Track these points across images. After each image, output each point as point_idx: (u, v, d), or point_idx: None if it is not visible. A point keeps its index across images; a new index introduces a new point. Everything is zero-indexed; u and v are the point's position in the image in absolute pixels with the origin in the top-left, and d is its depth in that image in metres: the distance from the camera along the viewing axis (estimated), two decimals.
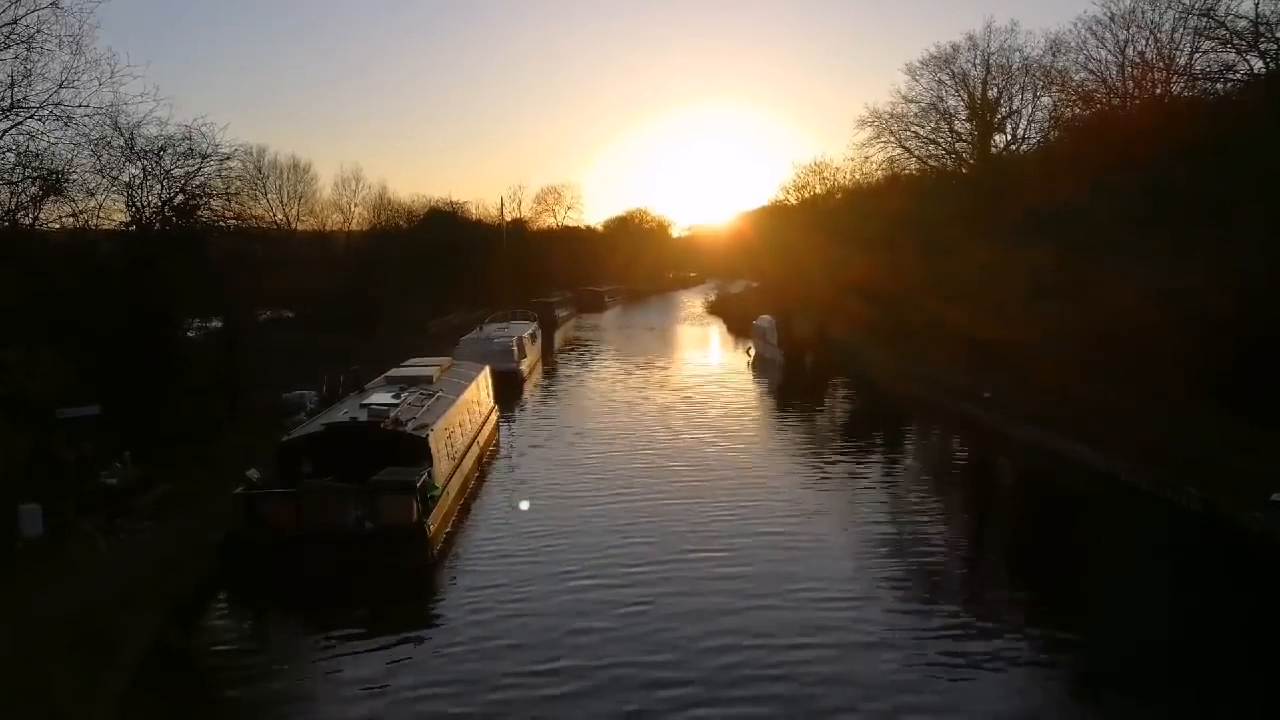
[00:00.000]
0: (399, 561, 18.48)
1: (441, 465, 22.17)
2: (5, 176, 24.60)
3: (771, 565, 19.04)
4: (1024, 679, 14.18)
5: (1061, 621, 16.31)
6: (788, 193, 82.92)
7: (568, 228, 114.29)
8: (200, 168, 29.27)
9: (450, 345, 45.78)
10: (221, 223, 31.04)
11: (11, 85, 23.16)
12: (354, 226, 75.80)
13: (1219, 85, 34.25)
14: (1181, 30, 37.07)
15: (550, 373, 53.02)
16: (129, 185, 28.38)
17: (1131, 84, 40.64)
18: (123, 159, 27.84)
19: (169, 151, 28.62)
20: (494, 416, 33.66)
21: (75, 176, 26.28)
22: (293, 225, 66.16)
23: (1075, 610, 16.86)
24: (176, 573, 17.93)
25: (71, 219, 26.86)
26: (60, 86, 23.67)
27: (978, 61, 50.72)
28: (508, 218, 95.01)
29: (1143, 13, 38.66)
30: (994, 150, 52.21)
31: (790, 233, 70.26)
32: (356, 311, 52.33)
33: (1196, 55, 36.52)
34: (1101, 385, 31.24)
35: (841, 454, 30.26)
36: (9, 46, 22.89)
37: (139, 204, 28.70)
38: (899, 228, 47.99)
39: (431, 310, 63.98)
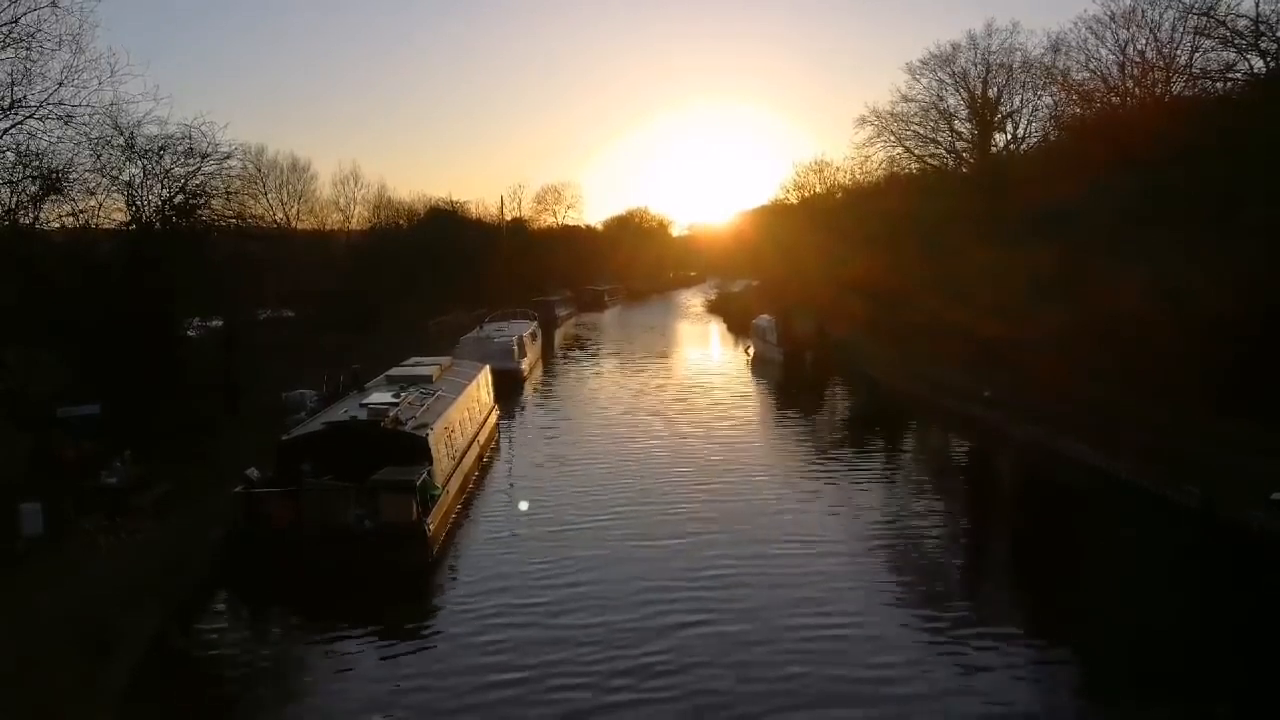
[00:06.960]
0: (399, 561, 18.46)
1: (441, 464, 22.15)
2: (5, 175, 24.64)
3: (774, 572, 19.00)
4: (1022, 677, 14.16)
5: (1060, 620, 16.33)
6: (788, 192, 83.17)
7: (568, 227, 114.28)
8: (200, 167, 29.28)
9: (450, 344, 45.80)
10: (221, 222, 31.03)
11: (11, 84, 23.20)
12: (354, 226, 75.97)
13: (1219, 84, 34.22)
14: (1182, 29, 37.08)
15: (550, 371, 53.03)
16: (129, 184, 28.39)
17: (1132, 83, 40.68)
18: (123, 158, 27.83)
19: (169, 151, 28.61)
20: (494, 415, 33.64)
21: (75, 176, 26.30)
22: (292, 224, 66.19)
23: (1074, 608, 16.85)
24: (176, 572, 17.95)
25: (71, 218, 26.87)
26: (60, 85, 23.71)
27: (978, 61, 50.68)
28: (508, 217, 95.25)
29: (1143, 12, 38.69)
30: (994, 149, 52.16)
31: (790, 232, 70.31)
32: (356, 311, 52.23)
33: (1197, 54, 36.54)
34: (1102, 384, 31.21)
35: (841, 452, 30.23)
36: (8, 45, 22.89)
37: (139, 203, 28.72)
38: (899, 227, 47.98)
39: (431, 309, 63.88)
